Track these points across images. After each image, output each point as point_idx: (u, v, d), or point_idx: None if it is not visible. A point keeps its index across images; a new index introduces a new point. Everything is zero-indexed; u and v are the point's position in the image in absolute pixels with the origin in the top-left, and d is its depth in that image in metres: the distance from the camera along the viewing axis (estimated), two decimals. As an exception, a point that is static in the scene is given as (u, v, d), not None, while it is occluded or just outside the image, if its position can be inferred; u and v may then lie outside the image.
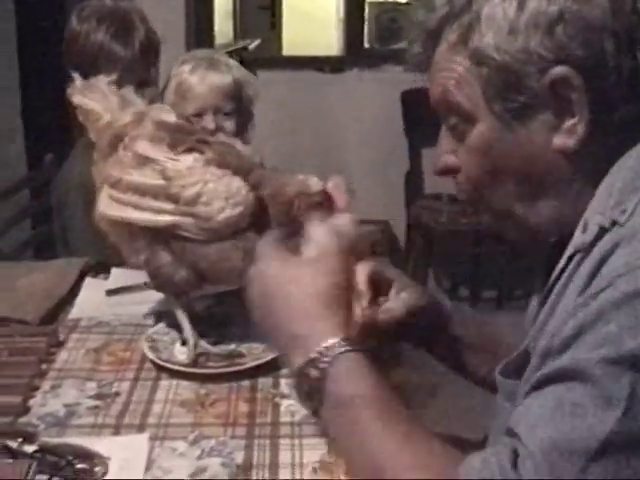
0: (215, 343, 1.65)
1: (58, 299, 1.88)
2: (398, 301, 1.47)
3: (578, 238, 1.10)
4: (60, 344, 1.71)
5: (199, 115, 2.45)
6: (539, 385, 1.02)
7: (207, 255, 1.55)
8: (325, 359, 1.08)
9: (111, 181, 1.61)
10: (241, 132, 2.50)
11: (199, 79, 2.45)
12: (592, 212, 1.09)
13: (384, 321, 1.45)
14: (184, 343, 1.63)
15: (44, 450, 1.27)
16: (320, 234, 1.19)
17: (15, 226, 2.75)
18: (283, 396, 1.51)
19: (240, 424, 1.42)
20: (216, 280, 1.59)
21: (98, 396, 1.52)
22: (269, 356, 1.56)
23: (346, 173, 4.65)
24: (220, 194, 1.52)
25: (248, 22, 5.70)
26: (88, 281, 2.00)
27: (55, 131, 2.65)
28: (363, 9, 4.84)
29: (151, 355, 1.60)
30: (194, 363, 1.58)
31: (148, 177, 1.57)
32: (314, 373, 1.08)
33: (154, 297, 1.85)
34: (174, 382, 1.55)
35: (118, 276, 1.99)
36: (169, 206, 1.55)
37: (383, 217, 4.72)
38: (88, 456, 1.29)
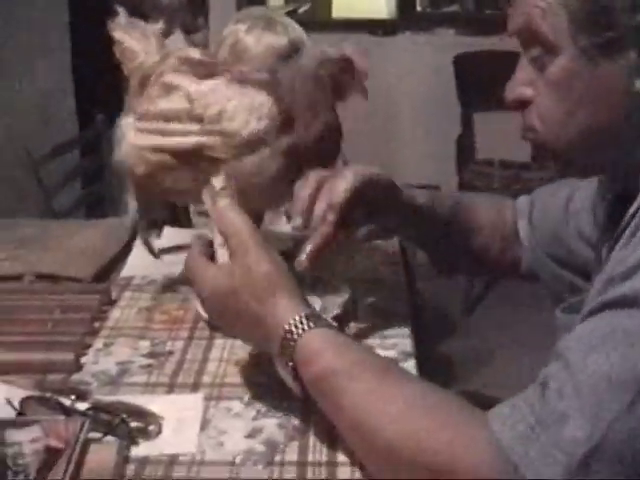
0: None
1: (110, 257, 1.86)
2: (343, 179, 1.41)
3: None
4: (112, 302, 1.69)
5: None
6: (595, 311, 1.01)
7: (242, 169, 1.53)
8: (292, 342, 1.15)
9: (138, 116, 1.61)
10: None
11: (255, 40, 2.40)
12: None
13: (340, 202, 1.39)
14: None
15: (97, 408, 1.25)
16: (228, 226, 1.23)
17: (66, 185, 2.74)
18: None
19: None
20: (254, 196, 1.55)
21: (151, 355, 1.49)
22: (332, 313, 1.52)
23: (397, 137, 4.62)
24: (243, 109, 1.51)
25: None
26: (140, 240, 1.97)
27: (106, 90, 2.62)
28: (415, -29, 4.77)
29: (204, 313, 1.57)
30: None
31: (175, 102, 1.57)
32: (288, 356, 1.16)
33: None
34: (229, 341, 1.52)
35: (170, 235, 1.95)
36: (195, 127, 1.54)
37: (434, 182, 4.66)
38: (142, 415, 1.26)
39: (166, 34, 2.33)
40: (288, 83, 1.54)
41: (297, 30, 2.45)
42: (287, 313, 1.17)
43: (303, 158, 1.52)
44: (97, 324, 1.59)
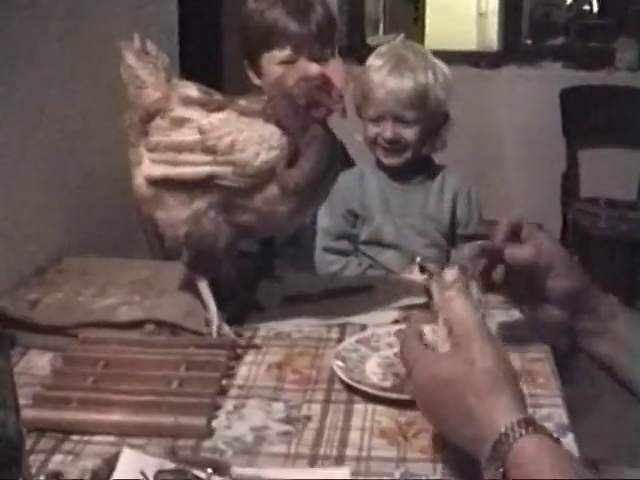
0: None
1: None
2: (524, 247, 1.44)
3: None
4: (238, 357, 1.58)
5: (377, 120, 2.32)
6: None
7: (252, 204, 1.55)
8: (506, 446, 1.04)
9: (150, 146, 1.61)
10: (425, 140, 2.36)
11: (380, 82, 2.32)
12: None
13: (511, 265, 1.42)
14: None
15: (241, 486, 1.14)
16: (454, 315, 1.18)
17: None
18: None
19: (446, 460, 1.25)
20: (261, 229, 1.63)
21: (287, 420, 1.37)
22: None
23: (501, 172, 4.48)
24: (254, 140, 1.53)
25: (393, 15, 5.56)
26: (264, 282, 1.87)
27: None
28: (520, 3, 4.64)
29: (343, 375, 1.46)
30: (392, 387, 1.43)
31: (186, 135, 1.58)
32: (500, 460, 1.04)
33: (338, 306, 1.75)
34: (369, 407, 1.40)
35: (295, 281, 1.85)
36: (207, 158, 1.55)
37: (537, 219, 4.52)
38: (288, 493, 1.15)
39: (291, 62, 2.26)
40: (282, 108, 1.55)
41: (429, 71, 2.34)
42: (506, 414, 1.06)
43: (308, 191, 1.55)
44: (225, 382, 1.49)
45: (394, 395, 1.39)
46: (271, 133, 1.53)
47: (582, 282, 1.47)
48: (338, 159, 1.63)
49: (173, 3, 2.54)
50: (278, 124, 1.54)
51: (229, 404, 1.42)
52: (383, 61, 2.35)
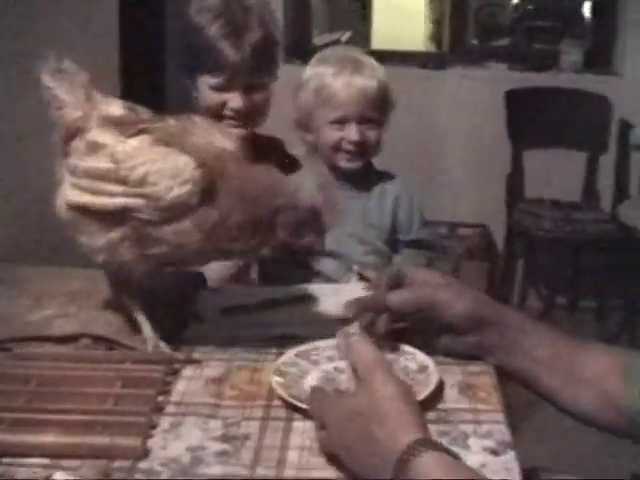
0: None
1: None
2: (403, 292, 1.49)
3: None
4: (175, 372, 1.54)
5: (341, 122, 2.29)
6: None
7: (164, 236, 1.50)
8: (407, 463, 1.08)
9: (69, 169, 1.57)
10: (381, 140, 2.34)
11: (344, 84, 2.29)
12: None
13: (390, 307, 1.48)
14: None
15: (175, 512, 1.11)
16: (357, 356, 1.26)
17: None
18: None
19: None
20: (177, 262, 1.58)
21: (224, 438, 1.34)
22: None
23: (445, 173, 4.48)
24: (166, 173, 1.48)
25: (340, 13, 5.54)
26: (202, 295, 1.83)
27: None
28: (467, 4, 4.64)
29: (282, 392, 1.43)
30: None
31: (100, 162, 1.53)
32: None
33: (278, 317, 1.74)
34: (308, 424, 1.37)
35: (233, 292, 1.82)
36: (120, 188, 1.51)
37: (482, 220, 4.54)
38: (224, 519, 1.12)
39: (224, 90, 2.23)
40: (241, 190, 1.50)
41: (382, 72, 2.33)
42: (407, 435, 1.11)
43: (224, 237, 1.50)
44: (161, 398, 1.45)
45: None
46: (185, 165, 1.48)
47: (476, 301, 1.50)
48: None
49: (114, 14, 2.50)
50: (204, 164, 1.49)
51: (165, 422, 1.39)
52: (339, 65, 2.32)
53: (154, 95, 2.38)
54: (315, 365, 1.52)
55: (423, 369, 1.48)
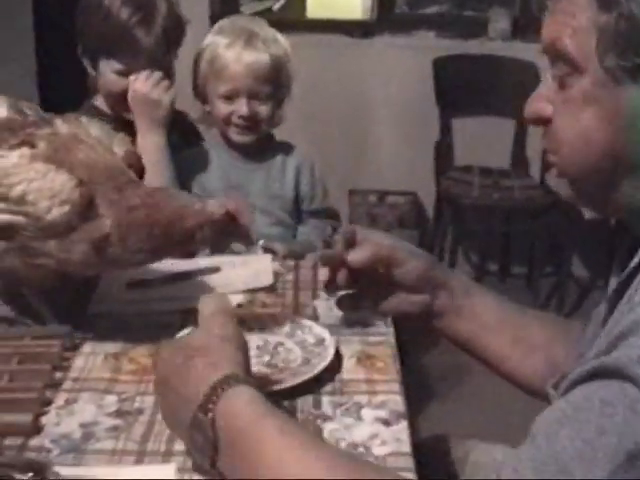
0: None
1: (73, 292, 1.71)
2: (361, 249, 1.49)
3: None
4: (76, 347, 1.54)
5: (232, 97, 2.27)
6: (573, 384, 0.94)
7: (50, 250, 1.47)
8: (210, 404, 1.10)
9: None
10: (275, 114, 2.32)
11: (235, 58, 2.26)
12: None
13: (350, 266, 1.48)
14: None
15: (57, 489, 1.11)
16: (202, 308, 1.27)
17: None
18: (326, 418, 1.34)
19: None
20: (66, 272, 1.52)
21: (118, 413, 1.35)
22: (309, 373, 1.40)
23: (374, 142, 4.49)
24: (45, 193, 1.44)
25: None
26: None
27: (73, 96, 2.47)
28: (393, -30, 4.62)
29: None
30: None
31: None
32: (203, 418, 1.10)
33: (177, 292, 1.73)
34: (203, 398, 1.39)
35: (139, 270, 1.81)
36: (1, 204, 1.46)
37: (411, 188, 4.55)
38: (107, 495, 1.13)
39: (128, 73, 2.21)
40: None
41: (280, 44, 2.31)
42: (224, 370, 1.13)
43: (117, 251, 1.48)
44: (59, 374, 1.45)
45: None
46: (62, 185, 1.44)
47: (427, 261, 1.51)
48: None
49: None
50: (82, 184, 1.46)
51: (61, 398, 1.39)
52: (233, 37, 2.28)
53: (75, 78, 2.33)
54: None
55: (320, 342, 1.50)
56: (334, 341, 1.49)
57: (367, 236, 1.51)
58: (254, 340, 1.51)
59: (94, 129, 1.59)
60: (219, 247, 1.59)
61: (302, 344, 1.50)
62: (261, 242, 2.05)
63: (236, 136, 2.32)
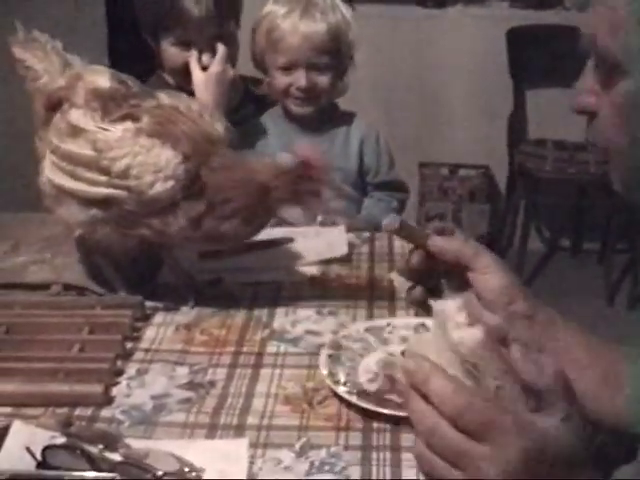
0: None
1: (145, 265, 1.69)
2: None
3: None
4: (147, 318, 1.52)
5: (290, 68, 2.22)
6: None
7: (149, 221, 1.46)
8: None
9: (51, 147, 1.52)
10: (336, 84, 2.26)
11: (291, 28, 2.19)
12: None
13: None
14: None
15: (128, 463, 1.08)
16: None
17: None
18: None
19: (355, 429, 1.22)
20: (162, 244, 1.54)
21: (190, 386, 1.32)
22: None
23: (446, 114, 4.42)
24: (149, 167, 1.44)
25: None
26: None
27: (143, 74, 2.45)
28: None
29: (322, 369, 1.32)
30: (376, 392, 1.29)
31: (82, 147, 1.48)
32: None
33: (256, 262, 1.71)
34: (276, 371, 1.36)
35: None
36: (102, 178, 1.47)
37: (483, 162, 4.48)
38: (179, 468, 1.10)
39: (187, 47, 2.17)
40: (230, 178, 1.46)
41: (339, 11, 2.24)
42: None
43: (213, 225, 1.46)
44: (130, 345, 1.43)
45: (366, 405, 1.24)
46: (167, 161, 1.43)
47: (513, 278, 1.27)
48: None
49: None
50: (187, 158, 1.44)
51: (132, 369, 1.37)
52: (290, 6, 2.23)
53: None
54: (383, 344, 1.42)
55: None
56: None
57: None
58: None
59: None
60: (307, 202, 1.51)
61: None
62: (320, 218, 1.99)
63: (295, 108, 2.26)
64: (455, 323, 0.84)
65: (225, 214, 1.44)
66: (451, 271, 1.26)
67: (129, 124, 1.47)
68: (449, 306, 0.90)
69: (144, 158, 1.44)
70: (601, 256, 4.49)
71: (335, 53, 2.22)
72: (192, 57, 2.19)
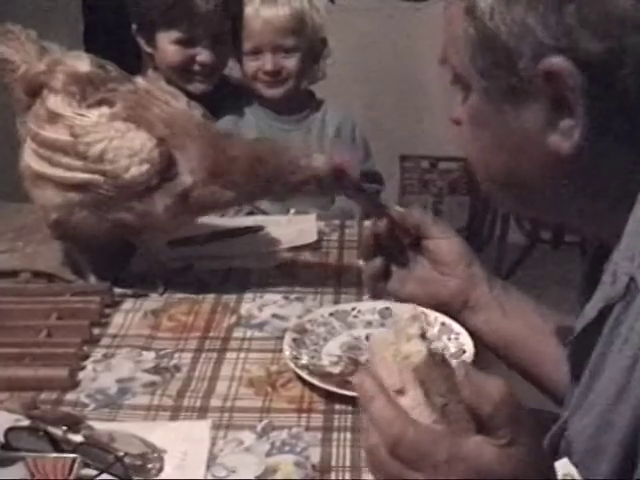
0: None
1: (115, 251, 1.69)
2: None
3: (607, 289, 0.87)
4: (116, 304, 1.53)
5: (256, 53, 2.23)
6: None
7: (128, 204, 1.47)
8: None
9: (31, 134, 1.53)
10: (308, 68, 2.27)
11: (253, 13, 2.21)
12: (620, 256, 0.87)
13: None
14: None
15: (90, 443, 1.09)
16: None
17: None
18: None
19: (317, 411, 1.23)
20: (140, 228, 1.53)
21: (155, 370, 1.34)
22: None
23: (429, 109, 4.43)
24: (124, 151, 1.45)
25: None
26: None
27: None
28: None
29: (286, 352, 1.33)
30: (339, 373, 1.30)
31: (59, 133, 1.49)
32: None
33: (225, 251, 1.72)
34: (241, 354, 1.37)
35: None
36: (79, 163, 1.48)
37: (463, 154, 4.48)
38: (142, 450, 1.11)
39: (190, 44, 2.17)
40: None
41: None
42: None
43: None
44: (97, 331, 1.44)
45: (328, 386, 1.24)
46: (142, 145, 1.44)
47: (466, 247, 1.38)
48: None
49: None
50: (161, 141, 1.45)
51: (98, 354, 1.38)
52: None
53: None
54: (348, 329, 1.43)
55: (459, 354, 1.32)
56: (472, 356, 1.32)
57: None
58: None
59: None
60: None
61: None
62: (292, 211, 2.00)
63: (266, 90, 2.26)
64: (406, 335, 0.85)
65: (220, 187, 1.46)
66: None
67: (105, 109, 1.49)
68: (404, 315, 0.91)
69: (119, 142, 1.45)
70: (582, 248, 4.50)
71: (301, 36, 2.22)
72: None
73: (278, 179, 1.46)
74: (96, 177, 1.46)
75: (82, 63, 1.55)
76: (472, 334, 1.35)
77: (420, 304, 1.28)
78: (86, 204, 1.49)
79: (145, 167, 1.44)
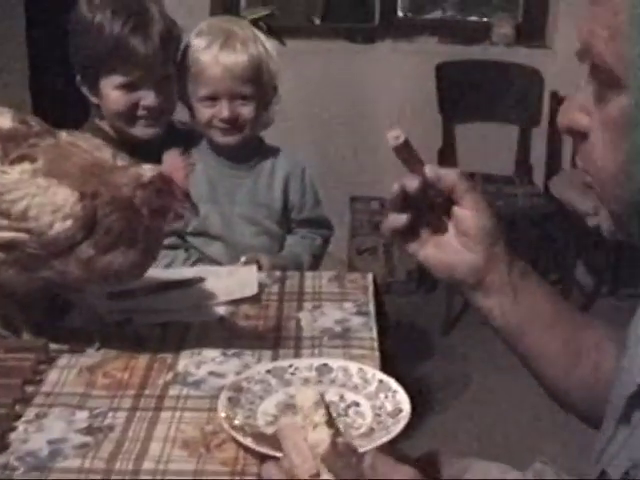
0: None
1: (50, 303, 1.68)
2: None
3: None
4: (51, 361, 1.51)
5: (212, 99, 2.22)
6: None
7: (52, 266, 1.45)
8: None
9: None
10: (260, 115, 2.26)
11: (212, 60, 2.20)
12: None
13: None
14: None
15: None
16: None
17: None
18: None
19: (250, 473, 1.21)
20: (70, 284, 1.51)
21: (88, 430, 1.31)
22: (365, 446, 1.19)
23: (376, 148, 4.45)
24: (47, 208, 1.42)
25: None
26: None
27: (67, 107, 2.42)
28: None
29: (221, 412, 1.31)
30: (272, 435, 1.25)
31: None
32: None
33: (165, 304, 1.70)
34: (177, 414, 1.35)
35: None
36: (4, 222, 1.45)
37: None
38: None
39: (136, 88, 2.16)
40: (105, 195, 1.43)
41: (260, 43, 2.24)
42: None
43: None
44: (31, 389, 1.42)
45: (263, 449, 1.21)
46: (64, 200, 1.42)
47: (496, 225, 1.28)
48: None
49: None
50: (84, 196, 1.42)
51: (31, 413, 1.36)
52: (210, 38, 2.22)
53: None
54: (285, 386, 1.40)
55: (396, 412, 1.32)
56: (408, 415, 1.30)
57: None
58: (331, 393, 1.39)
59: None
60: (163, 215, 1.46)
61: (378, 410, 1.34)
62: (243, 258, 1.99)
63: (220, 138, 2.24)
64: (312, 422, 0.84)
65: (107, 244, 1.42)
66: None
67: (27, 165, 1.46)
68: (308, 402, 0.90)
69: (41, 199, 1.43)
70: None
71: (257, 83, 2.21)
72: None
73: (115, 197, 1.42)
74: (21, 235, 1.43)
75: (3, 119, 1.53)
76: (481, 315, 1.30)
77: (433, 272, 1.27)
78: (12, 263, 1.46)
79: (69, 222, 1.41)
